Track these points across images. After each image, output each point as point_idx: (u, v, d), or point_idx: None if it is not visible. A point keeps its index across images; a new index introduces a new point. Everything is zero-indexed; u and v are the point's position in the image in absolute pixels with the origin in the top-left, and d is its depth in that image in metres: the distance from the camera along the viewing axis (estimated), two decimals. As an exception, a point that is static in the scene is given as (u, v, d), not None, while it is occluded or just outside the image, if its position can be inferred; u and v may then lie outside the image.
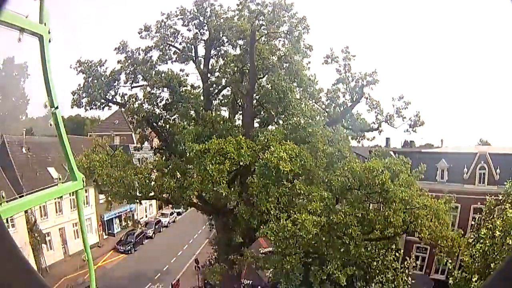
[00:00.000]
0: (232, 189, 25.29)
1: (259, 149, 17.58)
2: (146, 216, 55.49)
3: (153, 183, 23.98)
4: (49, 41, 4.94)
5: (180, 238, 47.87)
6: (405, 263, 28.88)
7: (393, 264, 24.77)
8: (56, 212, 40.40)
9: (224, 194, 17.36)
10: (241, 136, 18.77)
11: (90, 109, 25.80)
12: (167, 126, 26.38)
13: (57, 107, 4.66)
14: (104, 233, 47.70)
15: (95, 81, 24.93)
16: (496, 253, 21.11)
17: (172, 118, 26.26)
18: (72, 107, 26.16)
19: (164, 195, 25.05)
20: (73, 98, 25.28)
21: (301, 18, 23.37)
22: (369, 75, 23.97)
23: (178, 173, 21.88)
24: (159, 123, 26.71)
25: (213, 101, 26.28)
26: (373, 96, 24.88)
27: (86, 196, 44.56)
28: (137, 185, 22.28)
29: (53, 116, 4.68)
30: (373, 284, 23.59)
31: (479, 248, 22.48)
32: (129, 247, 44.59)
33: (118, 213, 49.30)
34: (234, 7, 26.10)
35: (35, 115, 60.69)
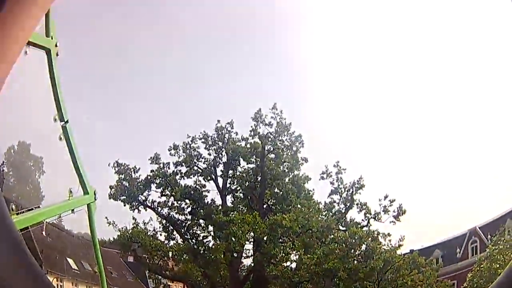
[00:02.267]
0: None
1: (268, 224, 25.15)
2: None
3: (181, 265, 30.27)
4: (57, 54, 5.02)
5: None
6: None
7: None
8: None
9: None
10: (256, 213, 26.57)
11: (124, 205, 31.22)
12: (191, 231, 33.34)
13: (67, 121, 4.70)
14: None
15: (131, 182, 30.97)
16: (483, 278, 25.48)
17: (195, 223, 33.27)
18: (109, 198, 30.43)
19: (189, 280, 31.03)
20: (111, 192, 30.72)
21: (298, 136, 32.84)
22: (357, 182, 32.01)
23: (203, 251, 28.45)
24: (183, 229, 33.60)
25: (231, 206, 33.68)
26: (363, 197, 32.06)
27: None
28: (171, 255, 28.92)
29: (63, 130, 4.69)
30: None
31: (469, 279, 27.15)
32: None
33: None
34: (247, 134, 34.05)
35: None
